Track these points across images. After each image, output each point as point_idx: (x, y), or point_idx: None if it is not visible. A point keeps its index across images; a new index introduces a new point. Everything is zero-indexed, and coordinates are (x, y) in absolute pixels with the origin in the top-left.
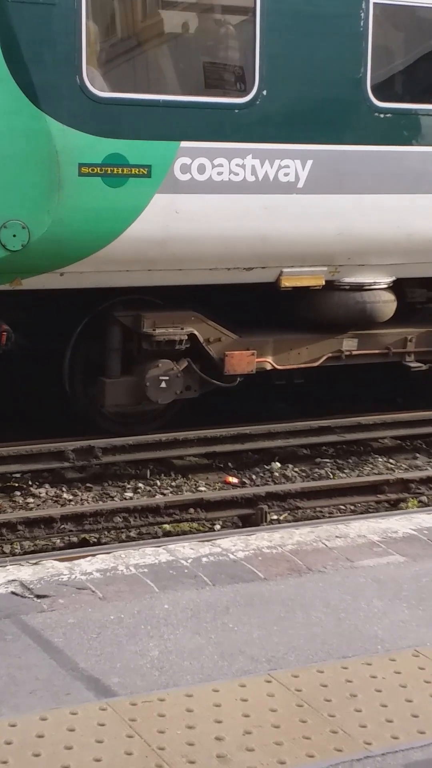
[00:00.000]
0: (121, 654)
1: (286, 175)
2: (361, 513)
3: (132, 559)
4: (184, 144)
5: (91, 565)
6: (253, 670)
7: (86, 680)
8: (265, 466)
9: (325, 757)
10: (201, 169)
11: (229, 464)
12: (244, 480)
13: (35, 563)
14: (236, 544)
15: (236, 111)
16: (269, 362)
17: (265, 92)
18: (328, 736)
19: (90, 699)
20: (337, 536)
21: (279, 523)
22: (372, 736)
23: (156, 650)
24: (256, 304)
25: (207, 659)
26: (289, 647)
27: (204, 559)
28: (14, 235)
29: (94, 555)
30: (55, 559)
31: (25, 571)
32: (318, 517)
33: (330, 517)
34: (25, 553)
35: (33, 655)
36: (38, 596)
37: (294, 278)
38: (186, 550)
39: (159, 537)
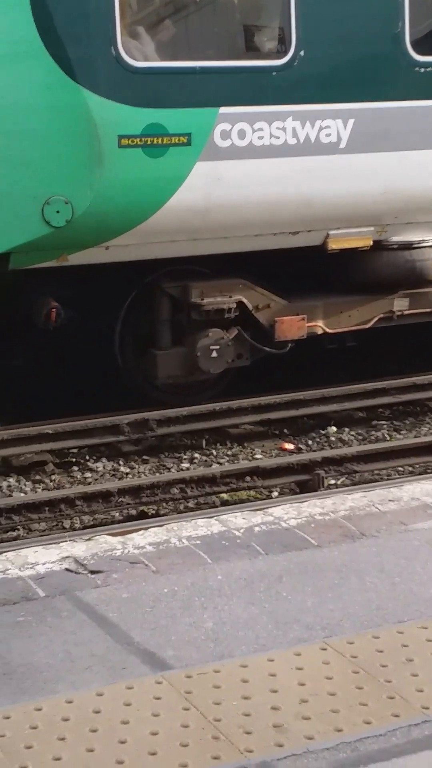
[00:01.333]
0: (175, 627)
1: (327, 135)
2: (420, 474)
3: (184, 531)
4: (223, 110)
5: (144, 538)
6: (308, 638)
7: (141, 654)
8: (321, 431)
9: (383, 723)
10: (241, 134)
11: (285, 431)
12: (300, 446)
13: (88, 539)
14: (288, 512)
15: (274, 73)
16: (320, 326)
17: (302, 53)
18: (385, 702)
19: (146, 673)
20: (390, 500)
21: (336, 487)
22: (429, 701)
23: (210, 622)
24: (303, 268)
25: (261, 629)
26: (343, 614)
27: (256, 529)
28: (58, 212)
29: (146, 528)
30: (108, 534)
31: (78, 547)
32: (375, 480)
33: (388, 479)
34: (85, 527)
35: (88, 631)
36: (92, 572)
37: (341, 240)
38: (238, 520)
39: (216, 507)
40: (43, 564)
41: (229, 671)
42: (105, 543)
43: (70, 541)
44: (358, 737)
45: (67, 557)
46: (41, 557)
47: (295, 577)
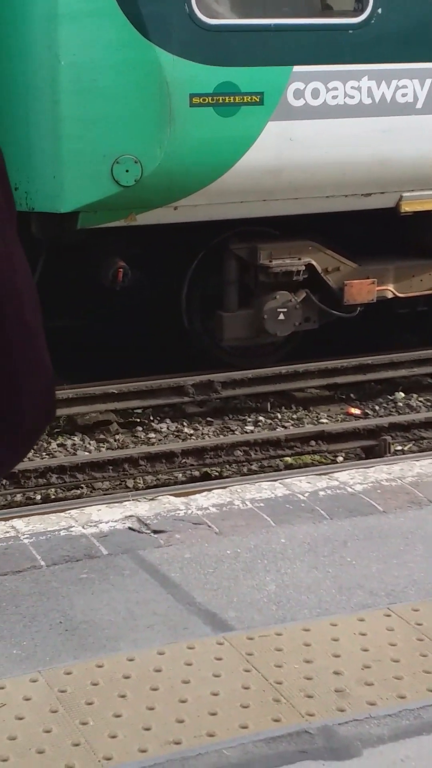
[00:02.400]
0: (237, 588)
1: (404, 95)
2: None
3: (248, 494)
4: (297, 68)
5: (207, 500)
6: (371, 604)
7: (203, 615)
8: (389, 397)
9: None
10: (315, 93)
11: (352, 395)
12: (366, 411)
13: (152, 499)
14: (354, 477)
15: (350, 32)
16: (390, 290)
17: (380, 10)
18: None
19: (207, 633)
20: None
21: (403, 454)
22: None
23: (273, 584)
24: (375, 231)
25: (325, 593)
26: (408, 581)
27: (321, 493)
28: (127, 171)
29: (210, 490)
30: (171, 495)
31: (142, 507)
32: None
33: None
34: (148, 487)
35: (150, 590)
36: (155, 531)
37: (414, 202)
38: (303, 483)
39: (280, 470)
40: (107, 522)
41: (291, 634)
42: (168, 503)
43: (133, 500)
44: (422, 704)
45: (130, 516)
46: (105, 516)
47: (359, 542)
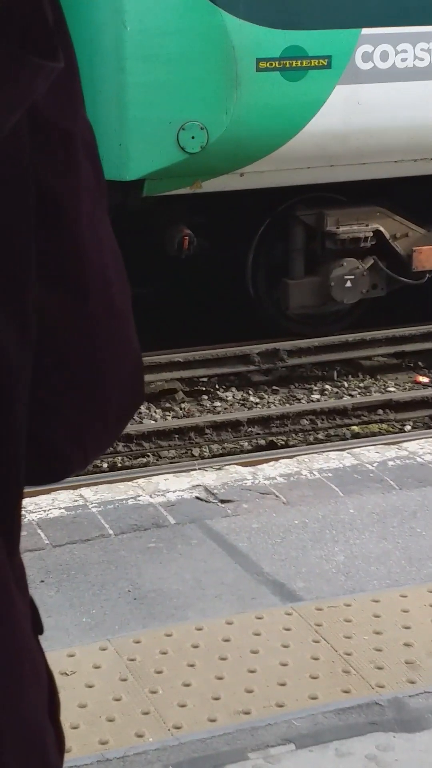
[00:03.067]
0: (305, 559)
1: None
2: None
3: (315, 464)
4: (365, 31)
5: (275, 469)
6: None
7: (271, 585)
8: None
9: None
10: (384, 56)
11: (420, 363)
12: None
13: (219, 468)
14: (424, 447)
15: None
16: None
17: None
18: None
19: (275, 604)
20: None
21: None
22: None
23: (341, 555)
24: None
25: (394, 564)
26: None
27: (390, 463)
28: (193, 137)
29: (277, 459)
30: (238, 464)
31: (209, 476)
32: None
33: None
34: (214, 456)
35: (218, 560)
36: (222, 501)
37: None
38: (371, 453)
39: (347, 439)
40: (174, 492)
41: (361, 605)
42: (235, 473)
43: (200, 469)
44: None
45: (197, 485)
46: (172, 485)
47: (430, 513)
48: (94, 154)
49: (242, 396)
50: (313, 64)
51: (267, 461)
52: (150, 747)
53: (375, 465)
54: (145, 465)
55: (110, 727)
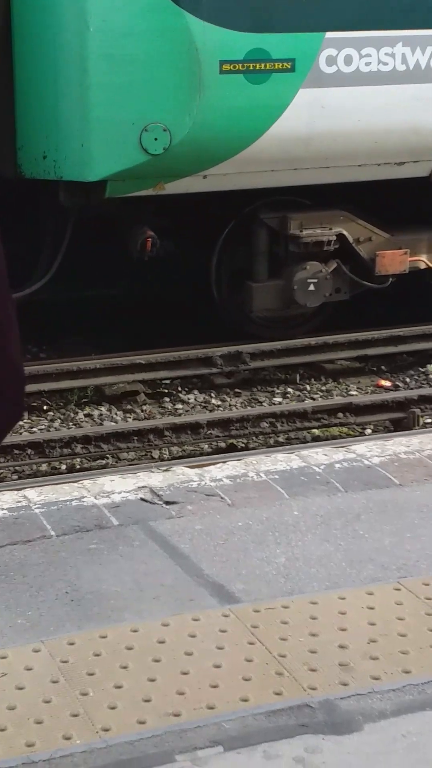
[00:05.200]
0: (247, 560)
1: None
2: None
3: (263, 466)
4: (329, 35)
5: (221, 471)
6: (382, 577)
7: (210, 586)
8: (420, 369)
9: None
10: (348, 60)
11: (383, 367)
12: (397, 383)
13: (166, 470)
14: (372, 450)
15: None
16: (423, 261)
17: None
18: None
19: (213, 605)
20: None
21: None
22: None
23: (283, 557)
24: (408, 200)
25: (335, 566)
26: (421, 554)
27: (337, 465)
28: (156, 139)
29: (224, 462)
30: (185, 466)
31: (155, 478)
32: None
33: None
34: (173, 458)
35: (159, 561)
36: (167, 502)
37: None
38: (319, 456)
39: (307, 442)
40: (119, 493)
41: (298, 607)
42: (182, 474)
43: (147, 471)
44: (427, 680)
45: (143, 487)
46: (117, 486)
47: (373, 515)
48: None
49: (204, 398)
50: (276, 67)
51: (215, 463)
52: (77, 749)
53: (322, 467)
54: (104, 467)
55: (38, 730)
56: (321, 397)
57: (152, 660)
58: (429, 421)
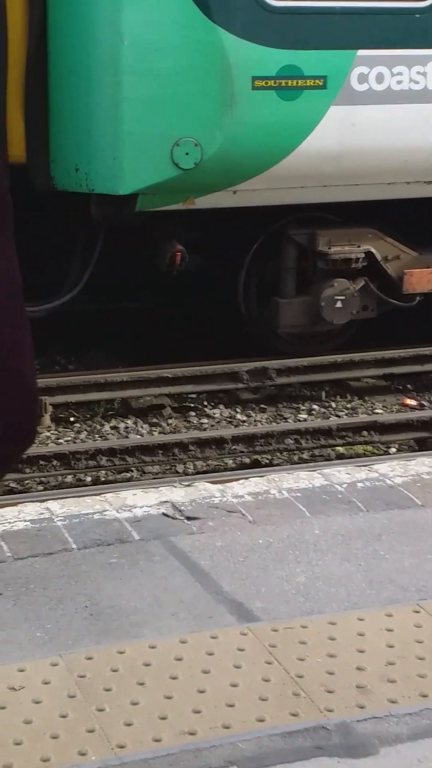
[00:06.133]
0: (266, 579)
1: None
2: None
3: (285, 483)
4: (361, 52)
5: (244, 488)
6: (401, 599)
7: (229, 604)
8: None
9: None
10: (379, 78)
11: (408, 386)
12: (423, 402)
13: (188, 485)
14: (394, 470)
15: (417, 16)
16: None
17: None
18: None
19: (231, 623)
20: None
21: None
22: None
23: (303, 576)
24: None
25: (354, 587)
26: None
27: (359, 485)
28: (187, 153)
29: (247, 478)
30: (208, 482)
31: (177, 493)
32: None
33: None
34: (198, 473)
35: (179, 577)
36: (188, 518)
37: None
38: (341, 474)
39: (332, 460)
40: (141, 507)
41: (317, 627)
42: (204, 490)
43: (169, 486)
44: None
45: (165, 502)
46: (139, 500)
47: (394, 536)
48: None
49: (230, 413)
50: (308, 84)
51: (237, 479)
52: (92, 766)
53: (344, 486)
54: (129, 480)
55: (54, 745)
56: (346, 414)
57: (169, 677)
58: None
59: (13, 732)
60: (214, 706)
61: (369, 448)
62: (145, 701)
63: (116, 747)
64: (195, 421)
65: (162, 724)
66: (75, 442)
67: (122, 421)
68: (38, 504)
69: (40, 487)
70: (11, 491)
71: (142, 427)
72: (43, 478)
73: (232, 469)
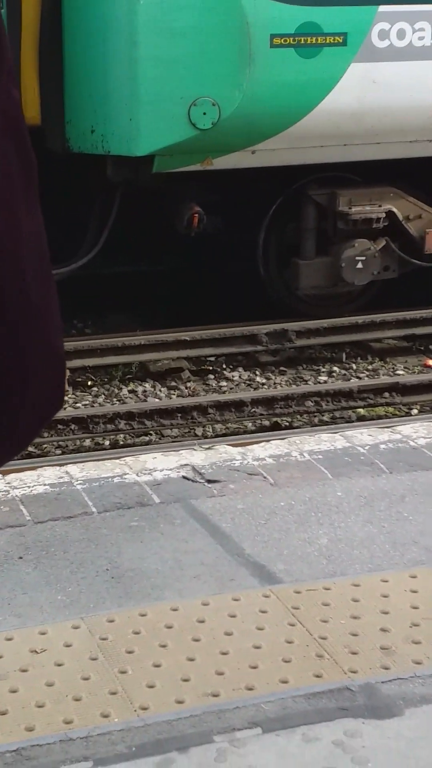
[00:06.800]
0: (288, 541)
1: None
2: None
3: (307, 446)
4: (382, 8)
5: (265, 450)
6: (426, 560)
7: (251, 566)
8: None
9: None
10: (401, 34)
11: (430, 347)
12: None
13: (208, 448)
14: (417, 431)
15: None
16: None
17: None
18: None
19: (254, 585)
20: None
21: None
22: None
23: (325, 538)
24: None
25: (378, 548)
26: None
27: (382, 446)
28: (204, 113)
29: (268, 441)
30: (228, 444)
31: (197, 456)
32: None
33: None
34: (217, 435)
35: (200, 540)
36: (209, 481)
37: None
38: (364, 436)
39: (353, 422)
40: (161, 471)
41: (340, 589)
42: (225, 453)
43: (189, 449)
44: None
45: (185, 465)
46: (159, 464)
47: (418, 497)
48: (19, 132)
49: (249, 376)
50: (328, 41)
51: (258, 442)
52: (115, 727)
53: (367, 448)
54: (148, 443)
55: (76, 707)
56: (367, 376)
57: (192, 639)
58: None
59: (36, 695)
60: (237, 668)
61: (390, 409)
62: (167, 663)
63: (139, 709)
64: (214, 384)
65: (185, 686)
66: (93, 406)
67: (140, 385)
68: (57, 468)
69: (59, 451)
70: (29, 455)
71: (160, 390)
72: (61, 442)
73: (252, 432)
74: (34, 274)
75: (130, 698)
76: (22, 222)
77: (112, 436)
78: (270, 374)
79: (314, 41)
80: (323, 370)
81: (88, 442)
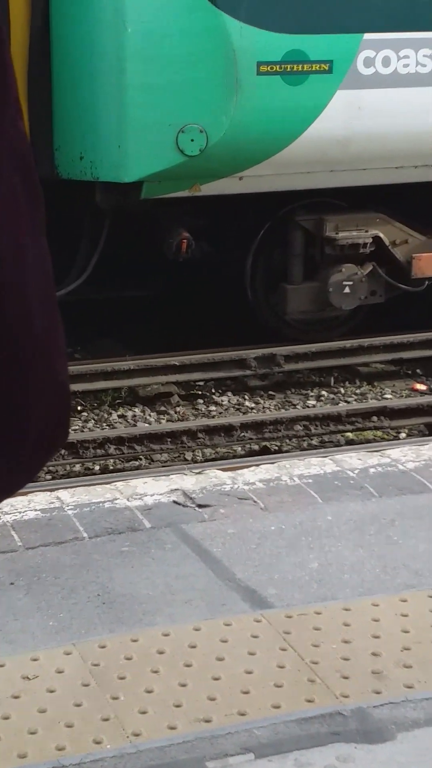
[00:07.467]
0: (279, 565)
1: None
2: None
3: (296, 470)
4: (367, 36)
5: (255, 475)
6: (416, 584)
7: (242, 591)
8: None
9: None
10: (386, 62)
11: (418, 371)
12: None
13: (198, 472)
14: (406, 455)
15: None
16: None
17: None
18: None
19: (245, 610)
20: None
21: None
22: None
23: (316, 562)
24: None
25: (368, 572)
26: None
27: (371, 470)
28: (192, 140)
29: (258, 465)
30: (218, 469)
31: (188, 481)
32: None
33: None
34: (206, 460)
35: (191, 565)
36: (199, 506)
37: None
38: (353, 460)
39: (341, 446)
40: (152, 495)
41: (331, 614)
42: (215, 477)
43: (179, 474)
44: None
45: (175, 490)
46: (150, 489)
47: (408, 521)
48: (26, 166)
49: (238, 401)
50: (314, 69)
51: (248, 466)
52: (107, 754)
53: (356, 472)
54: (137, 468)
55: (68, 733)
56: (355, 400)
57: (183, 665)
58: None
59: (28, 721)
60: (229, 693)
61: (379, 433)
62: (159, 689)
63: (131, 735)
64: (203, 409)
65: (177, 711)
66: (83, 431)
67: (130, 410)
68: (48, 493)
69: (49, 477)
70: None
71: (150, 415)
72: (51, 467)
73: (241, 456)
74: (40, 309)
75: (123, 724)
76: (29, 257)
77: (102, 461)
78: (259, 398)
79: (300, 68)
80: (312, 394)
81: (78, 467)
